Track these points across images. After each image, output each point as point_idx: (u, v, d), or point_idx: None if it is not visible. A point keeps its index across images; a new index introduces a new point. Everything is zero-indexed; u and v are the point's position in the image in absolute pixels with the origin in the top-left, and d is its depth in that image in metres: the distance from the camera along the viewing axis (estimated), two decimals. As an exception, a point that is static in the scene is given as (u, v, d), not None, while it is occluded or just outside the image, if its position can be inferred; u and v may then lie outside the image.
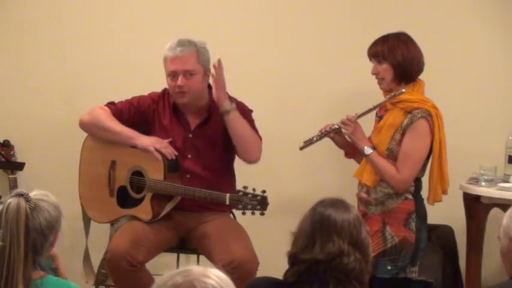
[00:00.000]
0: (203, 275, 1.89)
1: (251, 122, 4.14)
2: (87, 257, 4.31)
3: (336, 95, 4.83)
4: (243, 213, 3.85)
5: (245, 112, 4.12)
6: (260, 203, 3.81)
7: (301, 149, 4.17)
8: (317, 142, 4.13)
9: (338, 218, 2.59)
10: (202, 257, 4.13)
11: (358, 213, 2.68)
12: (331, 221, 2.59)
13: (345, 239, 2.57)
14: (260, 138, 4.13)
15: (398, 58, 3.96)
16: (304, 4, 4.89)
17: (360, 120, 4.03)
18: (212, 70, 3.98)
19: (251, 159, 4.08)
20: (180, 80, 4.00)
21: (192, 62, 4.03)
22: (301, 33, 4.89)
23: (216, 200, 3.92)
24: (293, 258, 2.63)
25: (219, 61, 3.94)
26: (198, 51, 4.04)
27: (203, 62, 4.05)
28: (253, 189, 3.85)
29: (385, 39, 4.01)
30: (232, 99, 4.10)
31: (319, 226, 2.59)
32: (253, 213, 3.84)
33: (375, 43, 4.03)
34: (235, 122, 4.01)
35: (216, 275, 1.91)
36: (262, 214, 3.84)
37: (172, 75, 4.03)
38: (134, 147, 4.08)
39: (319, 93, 4.87)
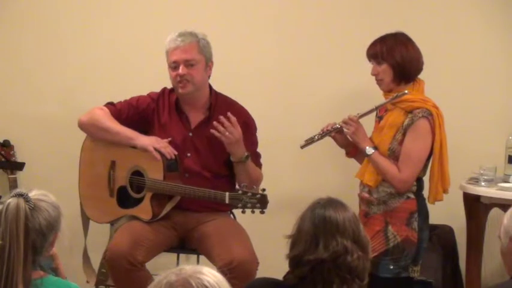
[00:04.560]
0: (197, 272, 1.91)
1: (255, 141, 4.15)
2: (86, 257, 4.31)
3: (337, 94, 4.82)
4: (243, 212, 3.84)
5: (252, 132, 4.13)
6: (260, 201, 3.80)
7: (302, 147, 4.16)
8: (318, 141, 4.13)
9: (339, 217, 2.59)
10: (202, 257, 4.13)
11: (353, 211, 2.69)
12: (332, 220, 2.58)
13: (348, 237, 2.57)
14: (260, 165, 4.16)
15: (397, 58, 3.95)
16: (304, 4, 4.88)
17: (360, 121, 4.03)
18: (223, 120, 3.93)
19: None
20: (181, 69, 4.00)
21: (193, 51, 4.02)
22: (303, 33, 4.88)
23: (216, 199, 3.91)
24: (295, 260, 2.60)
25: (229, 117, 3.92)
26: (199, 42, 4.04)
27: (204, 53, 4.05)
28: (253, 188, 3.85)
29: (383, 40, 4.00)
30: (238, 106, 4.12)
31: (322, 226, 2.58)
32: (253, 212, 3.83)
33: (373, 44, 4.02)
34: (247, 168, 4.02)
35: (209, 271, 1.92)
36: (262, 212, 3.83)
37: (174, 65, 4.03)
38: (133, 147, 4.07)
39: (321, 93, 4.87)
